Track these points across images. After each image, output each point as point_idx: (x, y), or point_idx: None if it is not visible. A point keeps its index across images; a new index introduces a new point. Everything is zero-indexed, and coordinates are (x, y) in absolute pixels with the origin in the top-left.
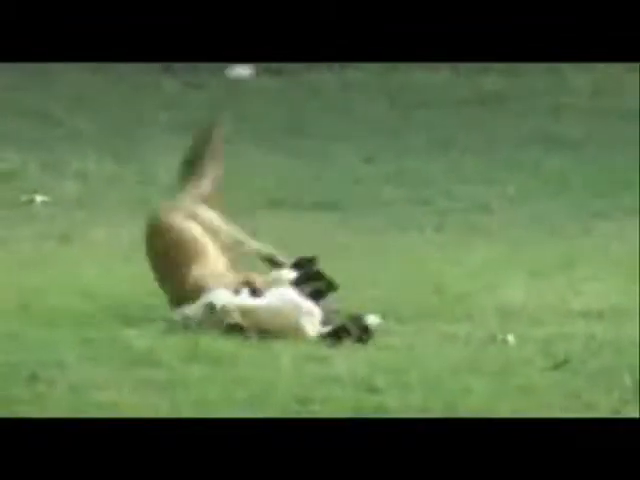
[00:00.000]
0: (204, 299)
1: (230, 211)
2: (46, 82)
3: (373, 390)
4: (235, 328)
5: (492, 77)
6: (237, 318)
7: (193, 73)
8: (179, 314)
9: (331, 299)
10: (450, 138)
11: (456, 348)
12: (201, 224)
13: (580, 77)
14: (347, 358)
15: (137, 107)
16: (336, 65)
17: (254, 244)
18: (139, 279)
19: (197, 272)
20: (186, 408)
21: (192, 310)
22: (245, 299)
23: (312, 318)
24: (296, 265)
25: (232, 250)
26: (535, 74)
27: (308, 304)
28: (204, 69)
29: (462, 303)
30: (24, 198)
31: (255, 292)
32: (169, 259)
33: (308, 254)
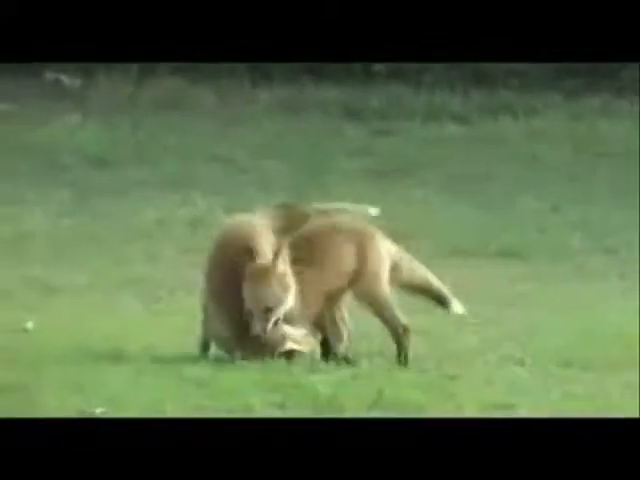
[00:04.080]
0: None
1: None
2: (234, 129)
3: None
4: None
5: None
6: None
7: (381, 120)
8: None
9: None
10: (634, 187)
11: None
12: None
13: None
14: (531, 407)
15: (323, 153)
16: (521, 114)
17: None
18: None
19: None
20: None
21: None
22: None
23: None
24: None
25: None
26: None
27: None
28: (393, 117)
29: None
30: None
31: None
32: None
33: (488, 302)
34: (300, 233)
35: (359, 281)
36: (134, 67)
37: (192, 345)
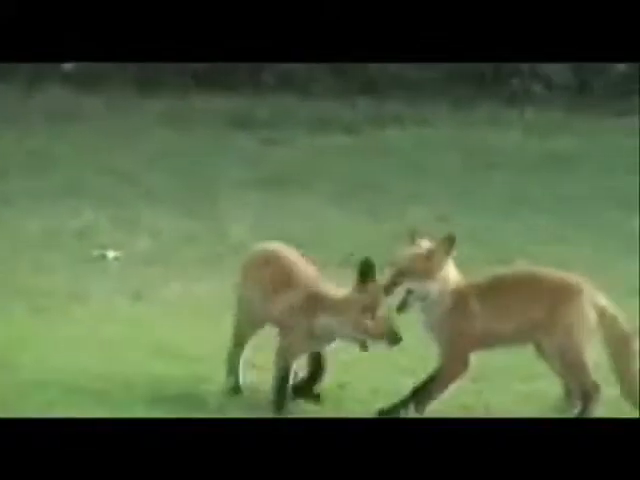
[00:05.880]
0: None
1: None
2: (122, 140)
3: None
4: None
5: (563, 138)
6: None
7: (270, 129)
8: None
9: None
10: (523, 198)
11: None
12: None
13: None
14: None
15: (212, 164)
16: (409, 123)
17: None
18: (211, 336)
19: None
20: None
21: None
22: None
23: None
24: None
25: None
26: (609, 133)
27: None
28: (282, 127)
29: None
30: (96, 254)
31: None
32: None
33: None
34: (497, 276)
35: (549, 334)
36: (23, 76)
37: (80, 355)
